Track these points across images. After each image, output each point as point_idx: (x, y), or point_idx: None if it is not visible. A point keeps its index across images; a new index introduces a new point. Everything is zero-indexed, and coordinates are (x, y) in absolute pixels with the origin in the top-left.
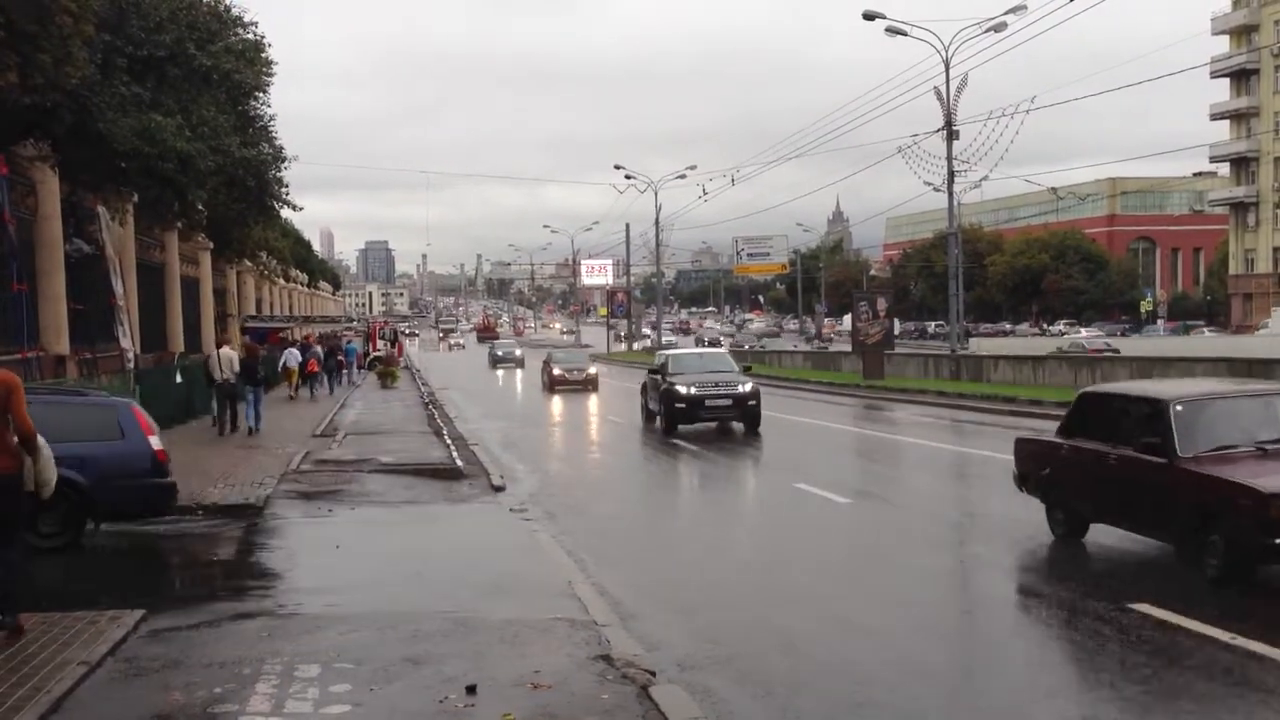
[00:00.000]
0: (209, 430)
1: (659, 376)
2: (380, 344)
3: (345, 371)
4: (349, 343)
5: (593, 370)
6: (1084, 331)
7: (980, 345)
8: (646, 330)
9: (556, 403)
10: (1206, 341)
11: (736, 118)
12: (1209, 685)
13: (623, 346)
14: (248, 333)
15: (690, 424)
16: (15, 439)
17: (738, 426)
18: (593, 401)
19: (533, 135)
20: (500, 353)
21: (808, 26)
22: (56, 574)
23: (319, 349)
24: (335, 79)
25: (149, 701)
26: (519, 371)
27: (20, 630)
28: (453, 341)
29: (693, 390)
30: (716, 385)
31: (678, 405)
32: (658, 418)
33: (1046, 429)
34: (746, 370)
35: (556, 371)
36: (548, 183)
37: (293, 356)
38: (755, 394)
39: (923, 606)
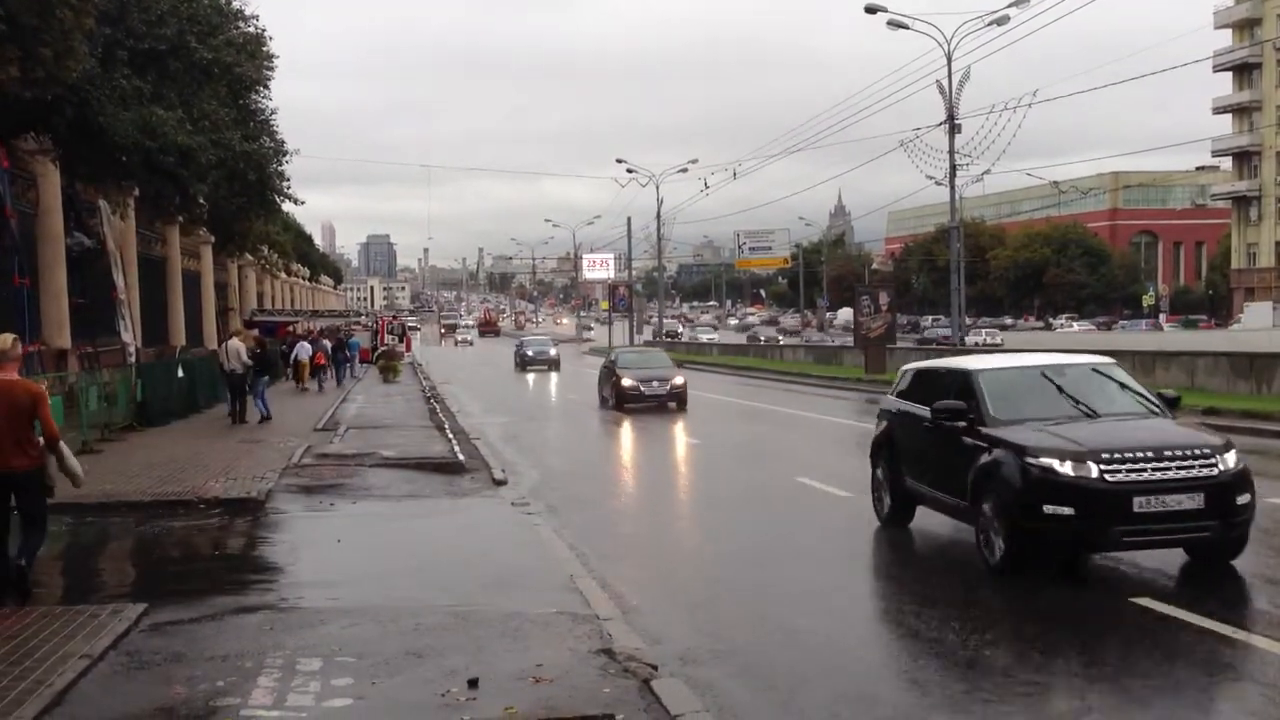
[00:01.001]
0: (217, 422)
1: (955, 424)
2: (389, 338)
3: (349, 365)
4: (352, 337)
5: (680, 380)
6: (1076, 326)
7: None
8: (682, 327)
9: (633, 436)
10: (1136, 337)
11: (737, 112)
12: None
13: (623, 340)
14: (255, 326)
15: (1090, 552)
16: (41, 440)
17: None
18: (686, 430)
19: (533, 129)
20: (530, 352)
21: (806, 18)
22: (58, 567)
23: (326, 343)
24: (337, 73)
25: (151, 695)
26: (554, 375)
27: (25, 602)
28: (460, 338)
29: (1099, 474)
30: (1153, 459)
31: (1051, 513)
32: (980, 530)
33: None
34: (1174, 404)
35: (628, 382)
36: (548, 176)
37: (304, 350)
38: (1243, 477)
39: (922, 601)
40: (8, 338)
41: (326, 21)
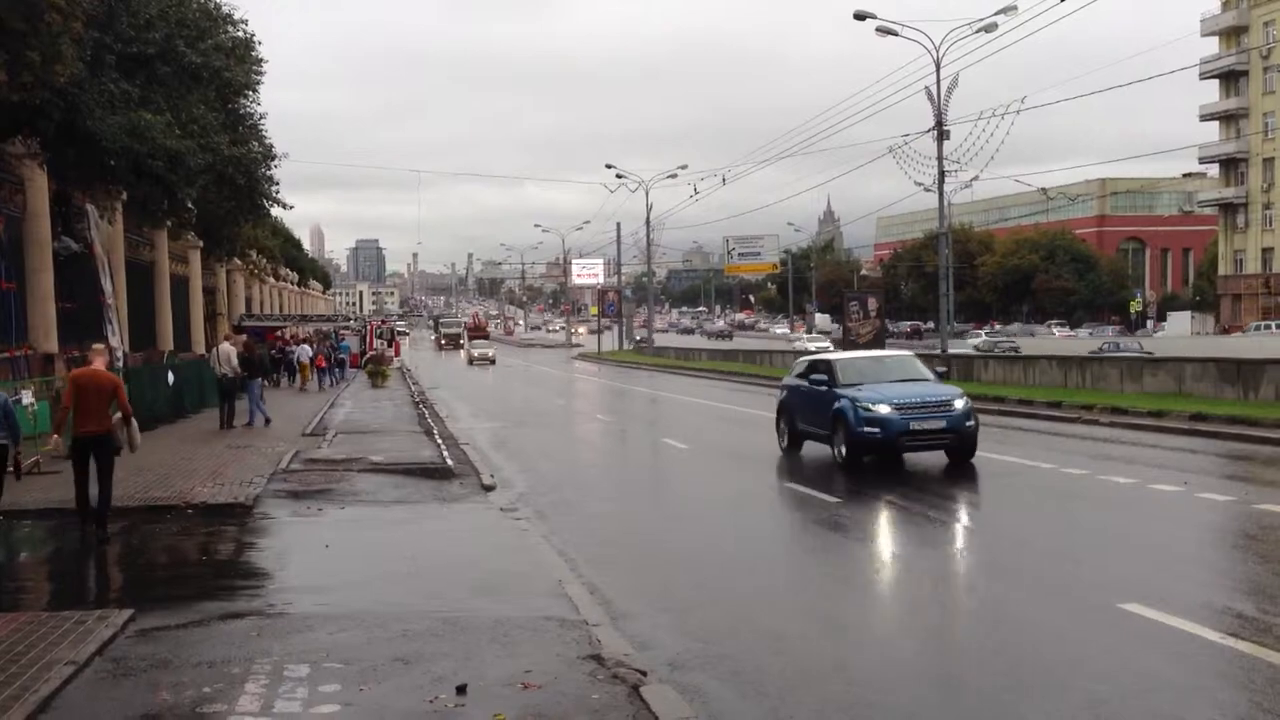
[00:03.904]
0: (205, 427)
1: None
2: (378, 343)
3: (339, 369)
4: (343, 341)
5: None
6: (1057, 332)
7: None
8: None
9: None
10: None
11: (726, 118)
12: None
13: (612, 345)
14: (244, 331)
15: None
16: (116, 414)
17: None
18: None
19: (522, 133)
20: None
21: (795, 25)
22: (44, 572)
23: (325, 346)
24: (325, 78)
25: (137, 701)
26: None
27: (104, 537)
28: (478, 354)
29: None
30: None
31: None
32: None
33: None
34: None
35: None
36: (538, 182)
37: (304, 352)
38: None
39: (910, 604)
40: (101, 346)
41: (314, 27)
